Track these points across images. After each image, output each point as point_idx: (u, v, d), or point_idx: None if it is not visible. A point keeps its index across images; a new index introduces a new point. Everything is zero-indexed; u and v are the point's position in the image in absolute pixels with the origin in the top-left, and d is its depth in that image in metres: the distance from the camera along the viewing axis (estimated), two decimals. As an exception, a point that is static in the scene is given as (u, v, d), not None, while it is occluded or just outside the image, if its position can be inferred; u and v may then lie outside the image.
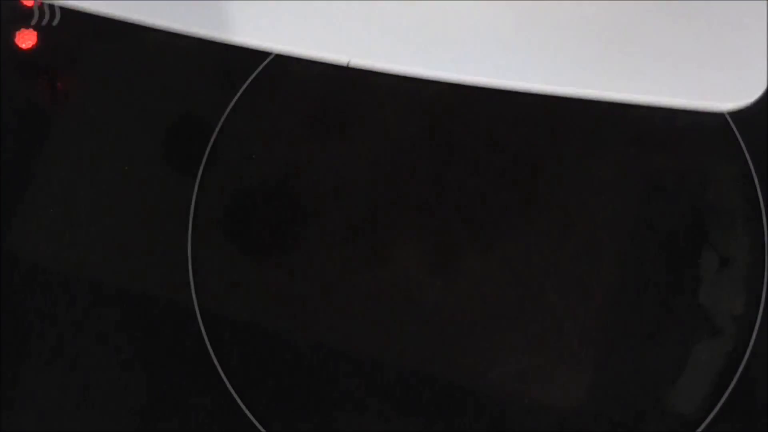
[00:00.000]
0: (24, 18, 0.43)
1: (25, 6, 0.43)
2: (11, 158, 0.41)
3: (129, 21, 0.38)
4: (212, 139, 0.40)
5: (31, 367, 0.36)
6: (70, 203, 0.40)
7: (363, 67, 0.41)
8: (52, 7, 0.43)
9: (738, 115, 0.41)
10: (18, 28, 0.43)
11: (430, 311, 0.37)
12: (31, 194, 0.40)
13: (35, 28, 0.43)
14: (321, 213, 0.39)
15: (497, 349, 0.37)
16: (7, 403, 0.36)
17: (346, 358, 0.37)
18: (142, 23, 0.38)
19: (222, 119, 0.41)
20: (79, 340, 0.37)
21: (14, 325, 0.37)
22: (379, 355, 0.37)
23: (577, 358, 0.36)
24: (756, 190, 0.39)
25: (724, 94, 0.39)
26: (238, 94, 0.41)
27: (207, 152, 0.40)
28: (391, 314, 0.37)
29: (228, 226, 0.40)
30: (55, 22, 0.43)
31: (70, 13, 0.43)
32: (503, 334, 0.37)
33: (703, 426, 0.35)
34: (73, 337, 0.37)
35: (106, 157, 0.41)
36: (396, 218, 0.39)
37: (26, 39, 0.43)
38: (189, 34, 0.40)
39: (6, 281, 0.38)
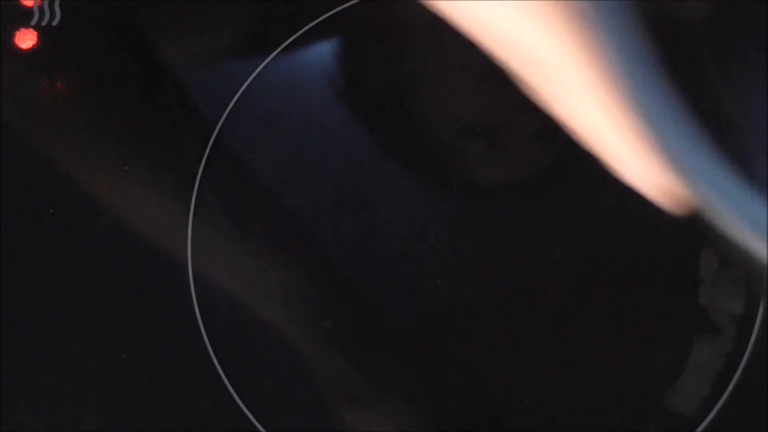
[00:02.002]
0: (24, 18, 0.43)
1: (25, 6, 0.43)
2: (11, 158, 0.41)
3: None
4: (212, 139, 0.40)
5: (31, 367, 0.36)
6: (69, 203, 0.40)
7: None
8: (52, 7, 0.43)
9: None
10: (18, 28, 0.43)
11: (430, 311, 0.37)
12: (31, 194, 0.40)
13: (35, 28, 0.43)
14: (321, 213, 0.39)
15: (497, 350, 0.36)
16: (7, 403, 0.36)
17: (346, 358, 0.37)
18: None
19: (222, 119, 0.41)
20: (79, 340, 0.37)
21: (14, 325, 0.37)
22: (379, 354, 0.37)
23: (577, 358, 0.36)
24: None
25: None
26: (238, 94, 0.41)
27: (207, 152, 0.40)
28: (392, 314, 0.37)
29: (228, 226, 0.39)
30: (55, 22, 0.43)
31: (70, 13, 0.43)
32: (503, 333, 0.37)
33: (703, 426, 0.35)
34: (73, 337, 0.37)
35: (106, 157, 0.41)
36: (396, 218, 0.39)
37: (26, 39, 0.43)
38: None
39: (6, 281, 0.38)
